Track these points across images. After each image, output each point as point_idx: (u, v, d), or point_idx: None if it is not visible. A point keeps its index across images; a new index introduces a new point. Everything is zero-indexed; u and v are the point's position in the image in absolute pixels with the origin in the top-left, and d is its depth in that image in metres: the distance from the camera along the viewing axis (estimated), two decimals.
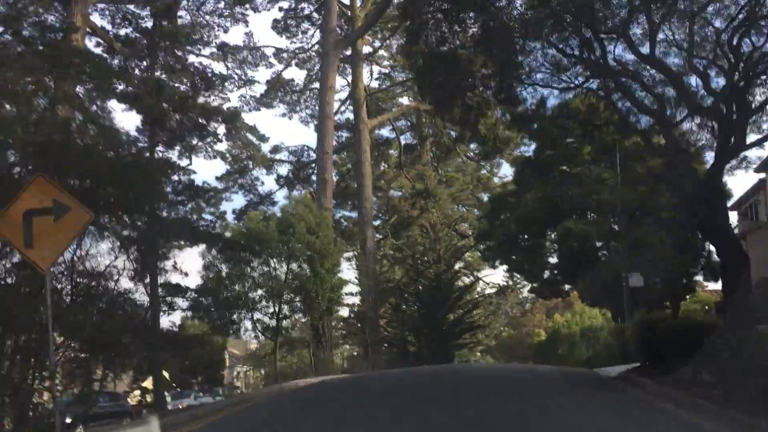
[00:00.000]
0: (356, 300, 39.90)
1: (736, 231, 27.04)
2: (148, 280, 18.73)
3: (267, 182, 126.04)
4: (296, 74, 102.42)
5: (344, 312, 43.25)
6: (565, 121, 19.06)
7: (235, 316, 26.18)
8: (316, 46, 44.05)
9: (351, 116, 45.84)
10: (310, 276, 25.88)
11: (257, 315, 27.16)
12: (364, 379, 20.28)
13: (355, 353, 43.83)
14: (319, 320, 30.34)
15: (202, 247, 26.31)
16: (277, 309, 26.40)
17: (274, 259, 26.32)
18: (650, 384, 11.90)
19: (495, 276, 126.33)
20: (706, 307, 39.43)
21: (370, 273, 39.44)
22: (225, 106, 40.43)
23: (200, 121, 26.78)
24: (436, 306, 40.53)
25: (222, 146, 52.04)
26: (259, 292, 26.30)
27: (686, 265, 32.22)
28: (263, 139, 40.90)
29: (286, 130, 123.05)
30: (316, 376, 24.84)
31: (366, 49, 46.77)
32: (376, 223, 57.98)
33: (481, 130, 18.13)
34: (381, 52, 49.50)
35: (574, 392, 13.15)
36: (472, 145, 60.63)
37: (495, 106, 18.44)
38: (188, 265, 58.46)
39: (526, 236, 36.83)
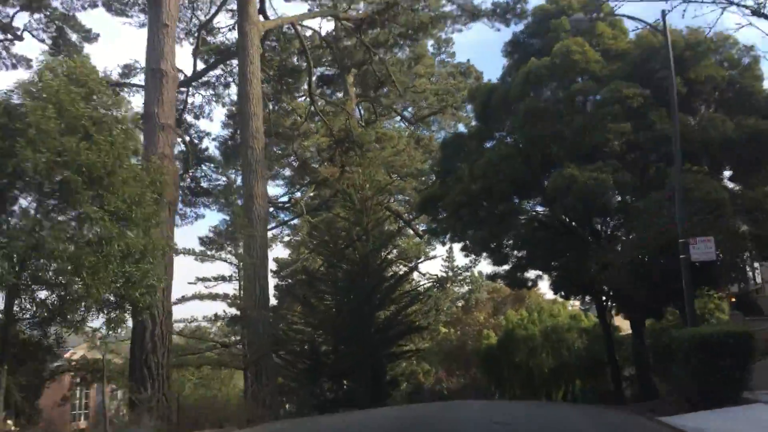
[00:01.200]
0: (233, 290, 24.77)
1: None
2: None
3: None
4: None
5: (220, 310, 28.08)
6: None
7: None
8: None
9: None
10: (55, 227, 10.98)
11: None
12: None
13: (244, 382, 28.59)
14: (148, 322, 15.78)
15: None
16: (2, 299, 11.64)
17: None
18: None
19: (432, 266, 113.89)
20: (733, 300, 31.32)
21: (257, 249, 24.92)
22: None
23: None
24: (361, 297, 26.63)
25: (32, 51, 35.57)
26: None
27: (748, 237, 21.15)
28: (88, 36, 25.57)
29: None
30: None
31: None
32: (284, 197, 43.83)
33: None
34: None
35: None
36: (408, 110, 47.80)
37: None
38: None
39: (492, 200, 25.03)
